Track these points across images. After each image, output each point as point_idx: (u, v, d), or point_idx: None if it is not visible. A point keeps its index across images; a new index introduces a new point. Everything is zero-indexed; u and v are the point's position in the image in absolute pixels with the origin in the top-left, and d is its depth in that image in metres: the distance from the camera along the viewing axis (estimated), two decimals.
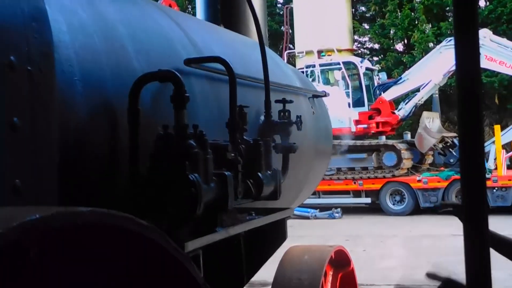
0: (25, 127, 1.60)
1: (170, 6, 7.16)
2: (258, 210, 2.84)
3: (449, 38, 16.92)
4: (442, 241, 11.61)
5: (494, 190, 15.29)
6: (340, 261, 4.40)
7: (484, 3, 24.07)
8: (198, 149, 2.17)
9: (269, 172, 2.82)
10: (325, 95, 5.06)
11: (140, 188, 2.13)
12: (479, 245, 1.10)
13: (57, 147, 1.75)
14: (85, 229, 1.27)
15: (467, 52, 1.12)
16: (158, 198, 2.12)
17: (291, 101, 3.44)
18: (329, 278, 4.25)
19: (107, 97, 2.16)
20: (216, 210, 2.31)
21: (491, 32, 16.31)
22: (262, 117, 3.21)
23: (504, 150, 15.87)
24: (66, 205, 1.51)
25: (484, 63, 15.75)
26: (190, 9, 24.26)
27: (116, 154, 2.17)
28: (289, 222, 3.17)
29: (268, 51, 3.98)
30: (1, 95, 1.54)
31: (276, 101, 3.35)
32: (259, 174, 2.71)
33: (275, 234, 2.96)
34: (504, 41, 16.09)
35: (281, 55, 20.36)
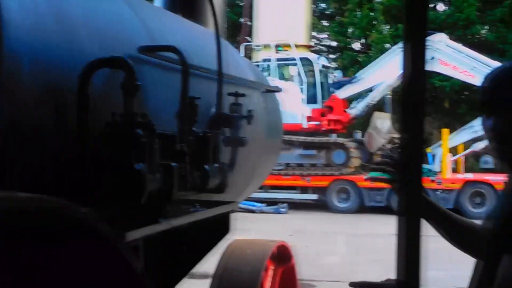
0: None
1: None
2: (203, 203, 2.84)
3: None
4: (384, 239, 11.81)
5: (438, 192, 15.66)
6: (282, 256, 4.44)
7: (443, 7, 24.52)
8: (145, 138, 2.16)
9: (216, 165, 2.83)
10: (278, 90, 5.09)
11: (85, 175, 2.11)
12: (413, 240, 1.14)
13: (3, 129, 1.72)
14: (23, 215, 1.26)
15: (414, 57, 1.15)
16: (102, 186, 2.11)
17: (243, 95, 3.45)
18: (270, 272, 4.29)
19: (56, 80, 2.12)
20: (160, 201, 2.31)
21: (448, 37, 16.62)
22: (214, 110, 3.21)
23: (451, 154, 16.24)
24: (10, 189, 1.49)
25: (438, 67, 16.07)
26: None
27: (62, 139, 2.14)
28: (235, 215, 3.19)
29: (224, 43, 3.98)
30: None
31: (229, 94, 3.35)
32: (206, 166, 2.72)
33: (218, 227, 2.96)
34: (459, 46, 16.41)
35: (239, 47, 20.35)
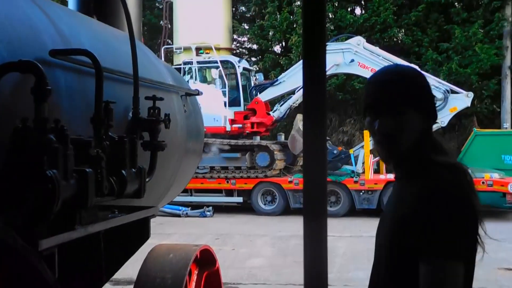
0: None
1: None
2: (122, 208, 2.80)
3: (327, 43, 17.47)
4: None
5: (361, 193, 16.00)
6: (206, 260, 4.44)
7: (360, 11, 25.09)
8: (58, 144, 2.10)
9: (133, 169, 2.79)
10: (198, 94, 5.07)
11: None
12: (317, 241, 1.16)
13: None
14: None
15: (314, 70, 1.17)
16: (13, 194, 2.04)
17: (161, 99, 3.42)
18: (194, 277, 4.27)
19: None
20: (75, 208, 2.25)
21: (365, 40, 17.01)
22: (130, 114, 3.17)
23: (372, 155, 16.63)
24: None
25: (357, 70, 16.45)
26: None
27: None
28: (159, 220, 3.17)
29: (140, 45, 3.94)
30: None
31: (146, 98, 3.32)
32: (123, 171, 2.67)
33: (138, 233, 2.92)
34: (376, 49, 16.83)
35: (159, 50, 20.19)
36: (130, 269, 2.87)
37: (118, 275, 3.10)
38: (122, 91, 3.21)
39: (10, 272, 1.50)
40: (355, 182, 16.04)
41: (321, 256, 1.17)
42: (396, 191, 2.13)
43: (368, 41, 17.45)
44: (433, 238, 1.86)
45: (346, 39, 17.27)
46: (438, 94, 15.51)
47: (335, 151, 16.62)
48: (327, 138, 17.37)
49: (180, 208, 16.25)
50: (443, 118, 15.61)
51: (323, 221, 1.16)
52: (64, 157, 2.13)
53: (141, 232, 2.94)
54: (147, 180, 2.98)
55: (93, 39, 3.34)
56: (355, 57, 16.05)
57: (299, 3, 24.31)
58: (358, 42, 16.25)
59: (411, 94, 1.99)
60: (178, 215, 16.09)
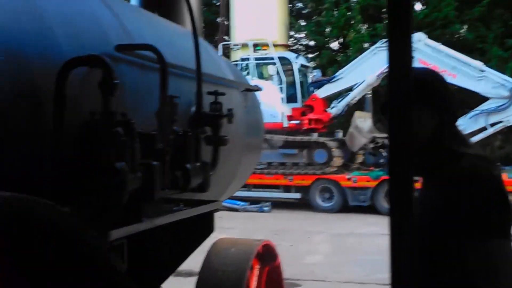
0: None
1: None
2: (186, 202, 2.82)
3: (384, 40, 17.23)
4: (367, 239, 11.87)
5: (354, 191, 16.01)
6: (267, 255, 4.43)
7: (420, 6, 24.64)
8: (125, 137, 2.13)
9: (197, 164, 2.81)
10: (258, 89, 5.08)
11: (64, 174, 2.08)
12: (404, 240, 1.13)
13: None
14: (3, 215, 1.23)
15: (400, 54, 1.14)
16: (82, 185, 2.08)
17: (223, 94, 3.43)
18: (256, 272, 4.27)
19: (33, 80, 2.09)
20: (141, 200, 2.28)
21: (426, 36, 16.70)
22: (193, 108, 3.19)
23: None
24: None
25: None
26: None
27: (40, 138, 2.11)
28: (218, 214, 3.17)
29: (202, 41, 3.96)
30: None
31: (208, 93, 3.33)
32: (188, 165, 2.69)
33: (202, 226, 2.94)
34: (438, 46, 16.47)
35: (216, 47, 20.31)
36: (190, 261, 2.89)
37: (178, 267, 3.13)
38: (184, 86, 3.23)
39: (81, 262, 1.52)
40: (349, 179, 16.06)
41: (407, 257, 1.14)
42: (423, 192, 2.26)
43: (428, 37, 17.10)
44: (485, 220, 1.99)
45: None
46: (504, 92, 15.07)
47: None
48: (387, 135, 17.14)
49: (239, 202, 16.33)
50: (509, 117, 15.17)
51: (408, 220, 1.13)
52: (131, 150, 2.16)
53: (205, 225, 2.95)
54: (210, 174, 3.00)
55: (156, 34, 3.38)
56: (415, 53, 15.69)
57: None
58: (419, 38, 15.92)
59: (419, 92, 2.06)
60: (236, 210, 16.17)
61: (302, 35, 29.41)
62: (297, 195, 17.20)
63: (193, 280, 4.02)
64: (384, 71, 16.00)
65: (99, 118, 2.13)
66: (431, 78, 2.30)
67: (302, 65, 18.62)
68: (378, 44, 16.91)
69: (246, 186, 16.76)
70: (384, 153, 16.45)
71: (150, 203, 2.35)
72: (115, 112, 2.15)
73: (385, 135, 17.15)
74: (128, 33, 2.93)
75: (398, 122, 1.15)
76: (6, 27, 2.02)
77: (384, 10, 24.25)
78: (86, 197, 2.05)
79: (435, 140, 2.17)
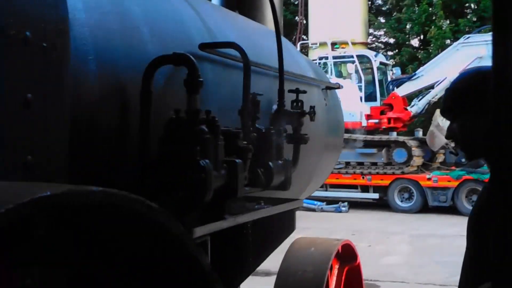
0: (38, 104, 1.59)
1: None
2: (267, 200, 2.82)
3: (467, 36, 16.77)
4: (448, 240, 11.57)
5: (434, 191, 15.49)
6: (347, 255, 4.38)
7: None
8: (210, 134, 2.14)
9: (279, 161, 2.80)
10: (338, 87, 5.02)
11: (150, 171, 2.11)
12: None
13: (69, 125, 1.74)
14: (94, 209, 1.26)
15: (506, 50, 1.08)
16: (167, 182, 2.10)
17: (304, 91, 3.41)
18: (335, 271, 4.23)
19: (120, 78, 2.14)
20: (225, 197, 2.29)
21: None
22: (275, 106, 3.18)
23: None
24: (75, 184, 1.49)
25: None
26: None
27: (126, 135, 2.15)
28: (296, 213, 3.15)
29: (283, 40, 3.94)
30: (15, 71, 1.53)
31: (289, 91, 3.32)
32: (270, 163, 2.69)
33: (283, 225, 2.93)
34: None
35: (295, 46, 20.29)
36: (268, 261, 2.89)
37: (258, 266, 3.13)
38: (265, 84, 3.23)
39: (168, 258, 1.54)
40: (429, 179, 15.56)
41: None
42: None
43: None
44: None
45: (490, 30, 16.46)
46: None
47: None
48: None
49: (316, 202, 16.27)
50: None
51: None
52: (215, 148, 2.17)
53: (286, 224, 2.94)
54: (291, 172, 2.98)
55: (237, 33, 3.39)
56: None
57: None
58: None
59: (469, 99, 2.19)
60: (313, 210, 16.11)
61: (382, 32, 28.99)
62: (375, 195, 16.97)
63: (271, 280, 4.02)
64: (467, 68, 15.59)
65: (184, 116, 2.15)
66: (482, 82, 2.21)
67: (381, 63, 18.35)
68: (461, 40, 16.46)
69: (323, 186, 16.67)
70: None
71: (233, 201, 2.36)
72: (199, 110, 2.17)
73: None
74: (211, 31, 2.96)
75: (506, 123, 1.09)
76: (94, 27, 2.07)
77: (467, 4, 23.61)
78: (171, 194, 2.07)
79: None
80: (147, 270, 1.56)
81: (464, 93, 2.25)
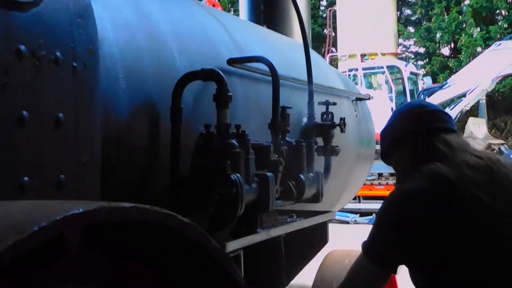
0: (70, 123, 1.61)
1: (213, 6, 7.16)
2: (299, 212, 2.81)
3: (498, 42, 16.54)
4: None
5: None
6: None
7: None
8: (240, 148, 2.15)
9: (311, 174, 2.79)
10: (368, 98, 5.00)
11: (181, 186, 2.12)
12: None
13: (100, 143, 1.76)
14: (127, 225, 1.26)
15: None
16: (198, 197, 2.11)
17: (334, 103, 3.40)
18: None
19: (150, 95, 2.16)
20: (257, 211, 2.29)
21: None
22: (305, 119, 3.18)
23: None
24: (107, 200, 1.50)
25: None
26: (232, 11, 24.32)
27: (157, 152, 2.17)
28: (329, 226, 3.13)
29: (312, 52, 3.95)
30: (46, 90, 1.55)
31: (319, 103, 3.31)
32: (301, 176, 2.68)
33: (316, 237, 2.92)
34: None
35: (324, 58, 20.25)
36: (302, 274, 2.87)
37: (292, 279, 3.10)
38: (295, 97, 3.23)
39: (201, 273, 1.54)
40: None
41: None
42: None
43: None
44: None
45: None
46: None
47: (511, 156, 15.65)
48: (503, 142, 16.45)
49: (349, 215, 16.13)
50: None
51: None
52: (245, 162, 2.17)
53: (319, 236, 2.93)
54: (323, 184, 2.97)
55: (265, 46, 3.41)
56: None
57: (468, 1, 23.26)
58: None
59: (394, 136, 2.26)
60: (347, 222, 15.98)
61: (411, 42, 28.79)
62: None
63: None
64: (500, 75, 15.37)
65: (214, 131, 2.16)
66: (393, 122, 2.31)
67: (411, 73, 18.19)
68: (492, 47, 16.23)
69: (356, 198, 16.52)
70: None
71: (265, 214, 2.35)
72: (229, 124, 2.17)
73: (501, 141, 16.45)
74: (239, 46, 2.97)
75: None
76: (123, 46, 2.09)
77: (497, 11, 23.33)
78: (203, 209, 2.08)
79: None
80: (179, 285, 1.56)
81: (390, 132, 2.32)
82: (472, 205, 1.91)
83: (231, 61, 2.71)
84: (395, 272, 2.16)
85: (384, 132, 2.32)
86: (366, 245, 2.14)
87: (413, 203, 2.01)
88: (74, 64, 1.63)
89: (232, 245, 2.05)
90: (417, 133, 2.19)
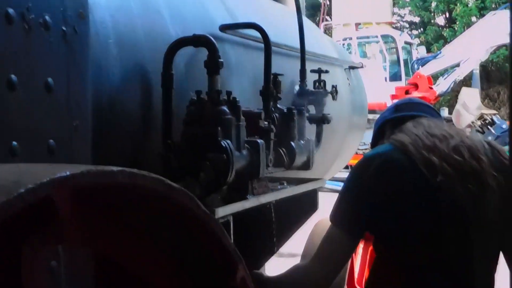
0: (60, 88, 1.60)
1: None
2: (290, 180, 2.82)
3: (493, 12, 16.47)
4: None
5: None
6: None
7: None
8: (231, 115, 2.15)
9: (302, 141, 2.80)
10: (361, 67, 4.99)
11: (172, 152, 2.12)
12: None
13: (91, 108, 1.75)
14: (114, 189, 1.27)
15: None
16: (189, 163, 2.12)
17: (326, 71, 3.40)
18: (359, 250, 4.23)
19: (141, 61, 2.15)
20: (247, 178, 2.30)
21: None
22: (297, 87, 3.17)
23: None
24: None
25: None
26: None
27: (148, 118, 2.17)
28: (319, 195, 3.15)
29: (305, 20, 3.92)
30: (36, 55, 1.54)
31: (312, 71, 3.30)
32: (292, 143, 2.69)
33: (306, 205, 2.93)
34: None
35: (318, 27, 20.14)
36: (292, 242, 2.90)
37: (281, 247, 3.13)
38: (287, 64, 3.22)
39: (190, 238, 1.55)
40: None
41: None
42: None
43: None
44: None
45: None
46: None
47: (503, 126, 15.68)
48: (495, 112, 16.48)
49: (340, 183, 16.21)
50: None
51: None
52: (236, 128, 2.17)
53: (309, 204, 2.95)
54: (314, 152, 2.98)
55: (258, 13, 3.38)
56: None
57: None
58: None
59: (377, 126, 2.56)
60: (337, 191, 16.06)
61: (406, 11, 28.63)
62: None
63: (295, 261, 4.02)
64: (494, 45, 15.33)
65: (205, 97, 2.16)
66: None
67: (406, 42, 18.16)
68: (487, 17, 16.17)
69: (348, 167, 16.57)
70: (493, 131, 15.75)
71: (256, 181, 2.36)
72: (220, 91, 2.17)
73: (493, 111, 16.49)
74: (232, 13, 2.95)
75: None
76: (115, 11, 2.07)
77: None
78: (194, 175, 2.09)
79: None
80: (169, 250, 1.57)
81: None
82: (425, 167, 2.05)
83: (224, 28, 2.70)
84: (363, 237, 2.25)
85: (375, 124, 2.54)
86: (332, 211, 2.23)
87: (369, 165, 2.16)
88: (64, 28, 1.62)
89: (222, 211, 2.06)
90: (390, 121, 2.41)
